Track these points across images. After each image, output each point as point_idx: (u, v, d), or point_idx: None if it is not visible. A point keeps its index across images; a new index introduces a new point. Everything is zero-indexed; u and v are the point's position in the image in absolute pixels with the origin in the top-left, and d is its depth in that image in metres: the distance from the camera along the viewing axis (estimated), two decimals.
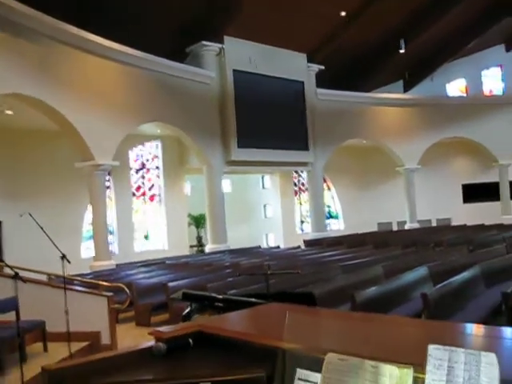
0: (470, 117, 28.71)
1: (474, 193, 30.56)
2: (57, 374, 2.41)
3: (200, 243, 26.13)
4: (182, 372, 2.43)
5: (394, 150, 28.03)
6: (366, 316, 3.09)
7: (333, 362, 2.10)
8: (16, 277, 7.82)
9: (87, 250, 20.81)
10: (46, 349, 9.05)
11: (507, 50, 32.56)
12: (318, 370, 2.17)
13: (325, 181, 28.66)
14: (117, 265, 17.81)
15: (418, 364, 1.93)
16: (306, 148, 24.50)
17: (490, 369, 1.76)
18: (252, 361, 2.43)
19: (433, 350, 1.89)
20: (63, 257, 8.82)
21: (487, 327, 2.69)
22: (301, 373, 2.24)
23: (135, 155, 23.82)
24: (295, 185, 29.64)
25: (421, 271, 10.85)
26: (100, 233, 17.90)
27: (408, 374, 1.91)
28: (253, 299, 4.20)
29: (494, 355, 1.77)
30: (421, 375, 1.91)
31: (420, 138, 28.08)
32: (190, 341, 2.75)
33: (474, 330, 2.60)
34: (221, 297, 4.57)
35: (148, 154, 24.32)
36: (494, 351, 1.80)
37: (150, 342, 2.72)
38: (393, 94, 29.21)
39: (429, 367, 1.88)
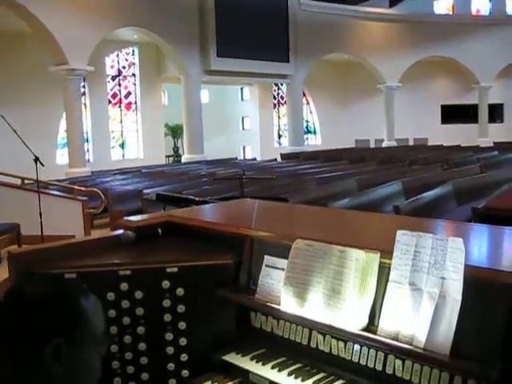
0: (455, 36, 28.18)
1: (453, 114, 30.54)
2: (23, 257, 2.39)
3: (176, 154, 25.99)
4: (150, 257, 2.42)
5: (376, 66, 27.62)
6: (339, 211, 3.09)
7: (300, 248, 2.10)
8: None
9: (62, 157, 20.56)
10: None
11: None
12: (286, 257, 2.18)
13: (304, 95, 28.32)
14: (92, 172, 17.68)
15: (386, 251, 1.94)
16: (286, 60, 24.00)
17: (457, 253, 1.77)
18: (221, 249, 2.43)
19: (401, 235, 1.89)
20: (36, 159, 8.71)
21: (457, 223, 2.72)
22: (268, 259, 2.25)
23: (111, 61, 23.12)
24: (274, 98, 29.28)
25: (394, 186, 10.94)
26: (75, 140, 17.64)
27: (374, 258, 1.92)
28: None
29: (461, 240, 1.77)
30: (387, 261, 1.93)
31: (403, 56, 27.61)
32: (159, 230, 2.73)
33: (444, 223, 2.62)
34: (197, 199, 4.55)
35: (124, 60, 23.62)
36: (461, 237, 1.81)
37: (119, 231, 2.70)
38: (378, 8, 28.41)
39: (396, 252, 1.89)
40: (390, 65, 27.51)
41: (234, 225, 2.50)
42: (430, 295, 1.79)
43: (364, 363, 1.97)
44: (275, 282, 2.19)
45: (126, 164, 21.08)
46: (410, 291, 1.83)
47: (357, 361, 1.99)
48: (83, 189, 10.99)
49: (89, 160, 20.77)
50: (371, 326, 1.93)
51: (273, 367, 2.15)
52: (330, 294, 1.98)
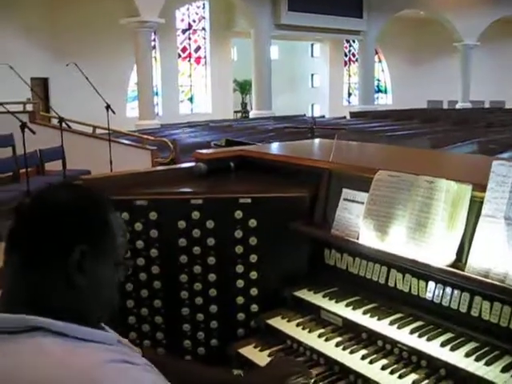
0: None
1: None
2: (95, 183, 2.36)
3: (244, 109, 25.92)
4: (222, 188, 2.35)
5: (454, 23, 26.35)
6: (422, 150, 2.91)
7: (383, 179, 1.96)
8: (61, 120, 7.91)
9: (132, 110, 20.87)
10: None
11: None
12: (366, 190, 2.05)
13: (376, 52, 27.47)
14: (161, 125, 17.89)
15: (478, 184, 1.78)
16: (359, 15, 23.30)
17: None
18: (296, 183, 2.33)
19: (497, 165, 1.72)
20: (108, 107, 8.81)
21: None
22: (347, 193, 2.13)
23: (181, 15, 23.06)
24: (345, 55, 28.56)
25: (469, 146, 10.53)
26: (145, 92, 17.84)
27: (466, 190, 1.76)
28: None
29: None
30: (479, 194, 1.76)
31: (482, 13, 26.15)
32: (232, 164, 2.65)
33: None
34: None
35: (195, 14, 23.53)
36: None
37: (191, 163, 2.64)
38: None
39: (490, 184, 1.72)
40: (468, 22, 26.16)
41: (310, 158, 2.38)
42: None
43: (446, 304, 1.84)
44: (353, 217, 2.07)
45: (194, 118, 21.19)
46: (505, 226, 1.67)
47: (438, 302, 1.86)
48: (152, 138, 11.09)
49: (158, 114, 20.99)
50: (458, 262, 1.78)
51: (347, 305, 2.05)
52: (415, 228, 1.84)
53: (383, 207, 1.95)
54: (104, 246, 1.21)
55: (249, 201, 2.22)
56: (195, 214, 2.21)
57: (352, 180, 2.14)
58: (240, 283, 2.25)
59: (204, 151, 2.72)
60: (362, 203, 2.05)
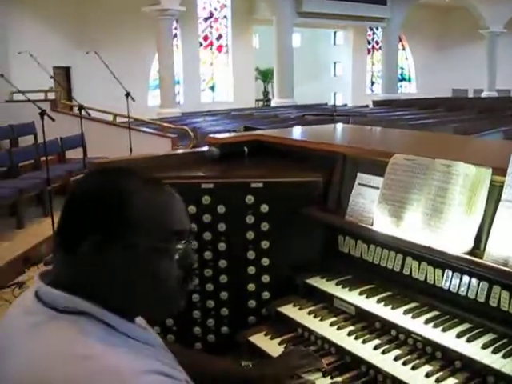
0: None
1: None
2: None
3: (266, 98, 25.81)
4: (234, 172, 2.29)
5: (479, 9, 25.83)
6: (441, 135, 2.82)
7: (399, 163, 1.89)
8: (81, 108, 7.93)
9: (154, 98, 20.91)
10: None
11: None
12: (381, 175, 1.98)
13: (400, 40, 27.09)
14: (182, 113, 17.90)
15: (498, 168, 1.70)
16: (383, 2, 22.99)
17: None
18: (309, 167, 2.27)
19: None
20: (127, 94, 8.80)
21: None
22: (361, 177, 2.06)
23: (203, 3, 22.98)
24: (368, 43, 28.22)
25: (495, 135, 10.33)
26: (166, 81, 17.86)
27: (486, 174, 1.68)
28: None
29: None
30: (499, 178, 1.68)
31: None
32: (245, 149, 2.59)
33: None
34: None
35: (216, 2, 23.42)
36: None
37: (204, 148, 2.59)
38: None
39: (511, 168, 1.64)
40: (494, 8, 25.63)
41: (325, 142, 2.32)
42: None
43: (464, 294, 1.77)
44: (367, 202, 2.01)
45: (215, 107, 21.17)
46: None
47: (455, 291, 1.79)
48: (173, 126, 11.09)
49: (179, 102, 20.99)
50: (476, 250, 1.71)
51: (360, 293, 1.99)
52: (431, 213, 1.77)
53: (398, 192, 1.88)
54: (126, 236, 1.13)
55: (261, 185, 2.16)
56: (206, 199, 2.16)
57: (367, 164, 2.07)
58: (251, 270, 2.20)
59: (217, 135, 2.67)
60: (378, 188, 1.98)
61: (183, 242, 1.21)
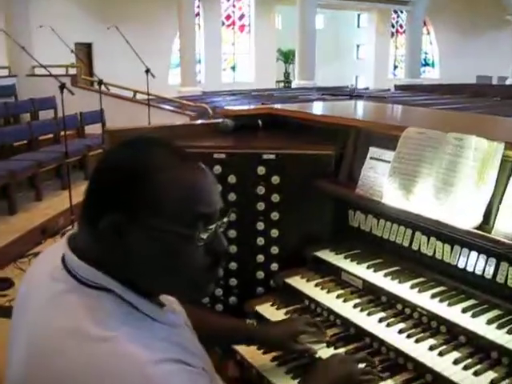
0: None
1: None
2: (119, 134, 2.34)
3: (287, 79, 25.65)
4: (247, 144, 2.29)
5: None
6: (456, 113, 2.80)
7: (411, 136, 1.88)
8: (100, 83, 7.97)
9: (174, 77, 20.90)
10: None
11: None
12: (394, 149, 1.97)
13: (425, 24, 26.68)
14: (203, 92, 17.88)
15: (511, 142, 1.68)
16: None
17: None
18: (322, 140, 2.26)
19: None
20: (147, 70, 8.81)
21: None
22: (374, 151, 2.05)
23: None
24: (392, 26, 27.85)
25: None
26: (187, 59, 17.82)
27: (498, 148, 1.66)
28: None
29: None
30: None
31: None
32: (259, 121, 2.59)
33: None
34: None
35: None
36: None
37: (218, 119, 2.59)
38: None
39: None
40: None
41: (338, 116, 2.30)
42: None
43: (471, 270, 1.76)
44: (379, 176, 1.99)
45: (236, 87, 21.10)
46: None
47: (463, 267, 1.78)
48: (192, 104, 11.10)
49: (200, 81, 20.96)
50: (485, 225, 1.69)
51: (368, 267, 1.99)
52: (441, 187, 1.75)
53: (409, 165, 1.86)
54: (145, 217, 1.06)
55: (272, 157, 2.16)
56: (217, 169, 2.16)
57: (380, 138, 2.05)
58: (260, 241, 2.21)
59: (231, 108, 2.67)
60: (389, 162, 1.96)
61: (211, 226, 1.11)
